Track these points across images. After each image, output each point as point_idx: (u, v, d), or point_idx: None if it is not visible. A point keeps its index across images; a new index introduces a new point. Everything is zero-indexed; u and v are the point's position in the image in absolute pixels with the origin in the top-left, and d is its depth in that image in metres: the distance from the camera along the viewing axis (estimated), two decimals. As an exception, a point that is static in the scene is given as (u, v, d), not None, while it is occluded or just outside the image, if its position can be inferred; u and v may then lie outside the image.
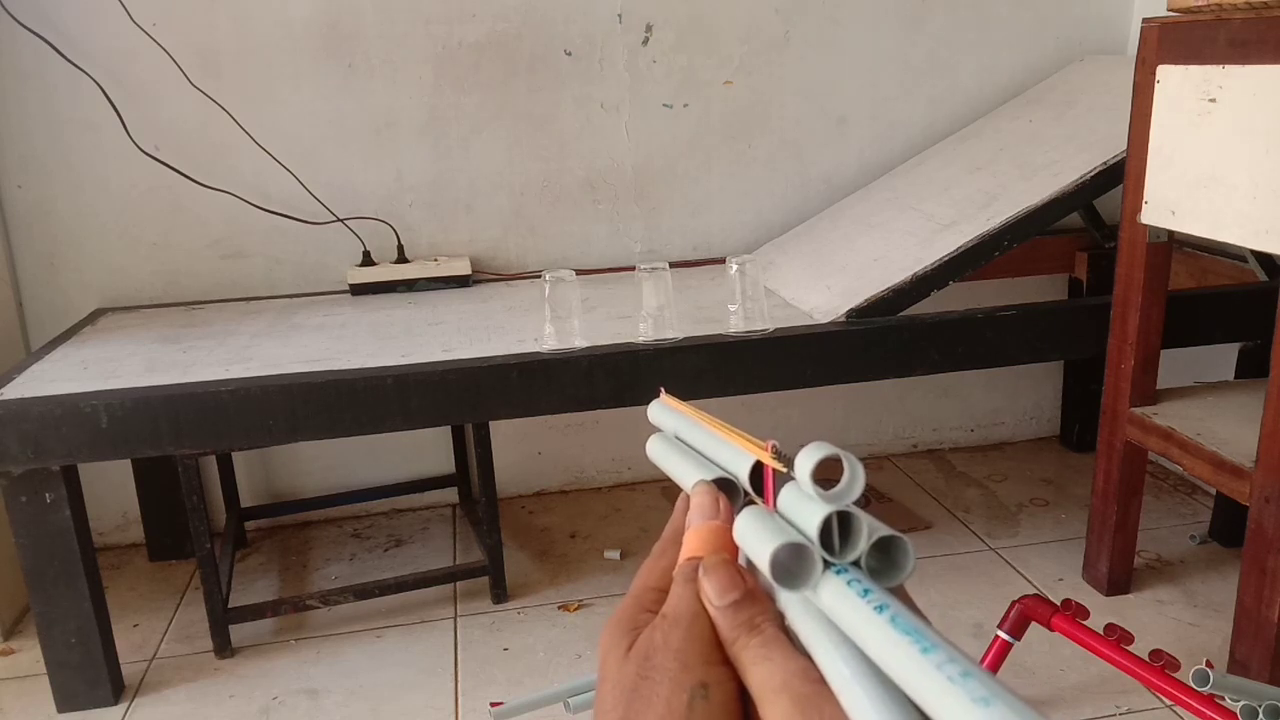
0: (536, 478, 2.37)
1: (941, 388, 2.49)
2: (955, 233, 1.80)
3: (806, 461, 0.32)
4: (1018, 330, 1.81)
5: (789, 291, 1.93)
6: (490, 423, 1.79)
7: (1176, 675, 1.25)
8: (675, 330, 1.70)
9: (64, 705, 1.64)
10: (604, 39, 2.13)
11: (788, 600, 0.33)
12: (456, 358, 1.65)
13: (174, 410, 1.54)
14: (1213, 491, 2.08)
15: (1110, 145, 1.79)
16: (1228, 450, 1.54)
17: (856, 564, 0.31)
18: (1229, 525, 1.97)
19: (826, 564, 0.31)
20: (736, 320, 1.71)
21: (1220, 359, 2.08)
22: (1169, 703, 1.51)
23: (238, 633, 1.78)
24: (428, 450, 2.27)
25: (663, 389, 0.49)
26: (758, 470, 0.38)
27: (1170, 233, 1.62)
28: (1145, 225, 1.63)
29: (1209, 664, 1.18)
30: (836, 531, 0.31)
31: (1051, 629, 1.40)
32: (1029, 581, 1.90)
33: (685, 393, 1.76)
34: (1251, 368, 1.98)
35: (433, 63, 2.08)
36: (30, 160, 1.99)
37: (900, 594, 0.32)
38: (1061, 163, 1.85)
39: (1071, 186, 1.78)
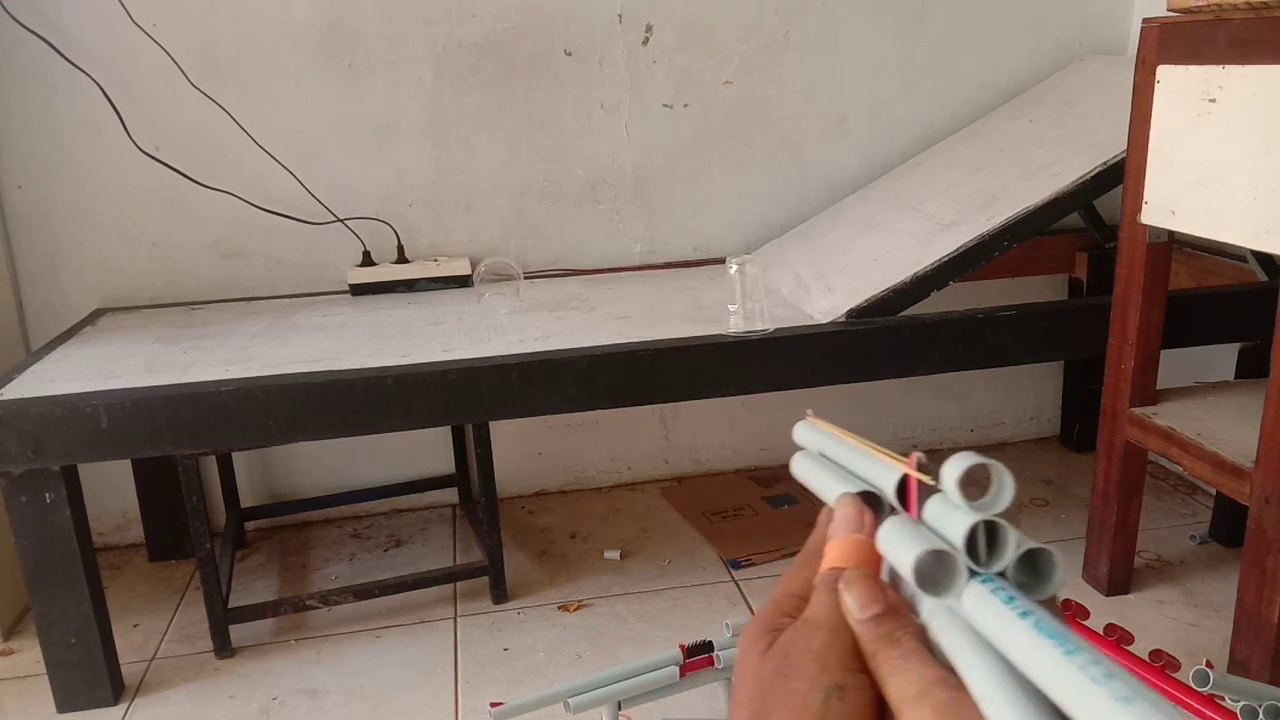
0: (536, 478, 2.37)
1: (941, 388, 2.48)
2: (955, 233, 1.80)
3: (953, 471, 0.32)
4: (1018, 330, 1.81)
5: (789, 291, 1.93)
6: (490, 423, 1.79)
7: (1176, 675, 1.25)
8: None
9: (64, 705, 1.64)
10: (604, 39, 2.13)
11: (931, 609, 0.32)
12: (456, 358, 1.65)
13: (174, 410, 1.54)
14: (1213, 491, 2.08)
15: (1110, 145, 1.79)
16: (1228, 450, 1.54)
17: (1002, 575, 0.31)
18: (1229, 525, 1.97)
19: (972, 573, 0.31)
20: (736, 320, 1.71)
21: (1220, 359, 2.08)
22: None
23: (238, 633, 1.78)
24: (428, 450, 2.27)
25: (809, 411, 0.49)
26: (904, 485, 0.38)
27: (1170, 233, 1.62)
28: (1145, 225, 1.63)
29: (1209, 664, 1.18)
30: (983, 541, 0.31)
31: (1051, 629, 1.40)
32: (1029, 581, 1.90)
33: (684, 392, 1.73)
34: (1251, 368, 1.98)
35: (433, 63, 2.08)
36: (30, 160, 1.99)
37: (1048, 607, 0.31)
38: (1061, 163, 1.85)
39: (1071, 186, 1.78)
